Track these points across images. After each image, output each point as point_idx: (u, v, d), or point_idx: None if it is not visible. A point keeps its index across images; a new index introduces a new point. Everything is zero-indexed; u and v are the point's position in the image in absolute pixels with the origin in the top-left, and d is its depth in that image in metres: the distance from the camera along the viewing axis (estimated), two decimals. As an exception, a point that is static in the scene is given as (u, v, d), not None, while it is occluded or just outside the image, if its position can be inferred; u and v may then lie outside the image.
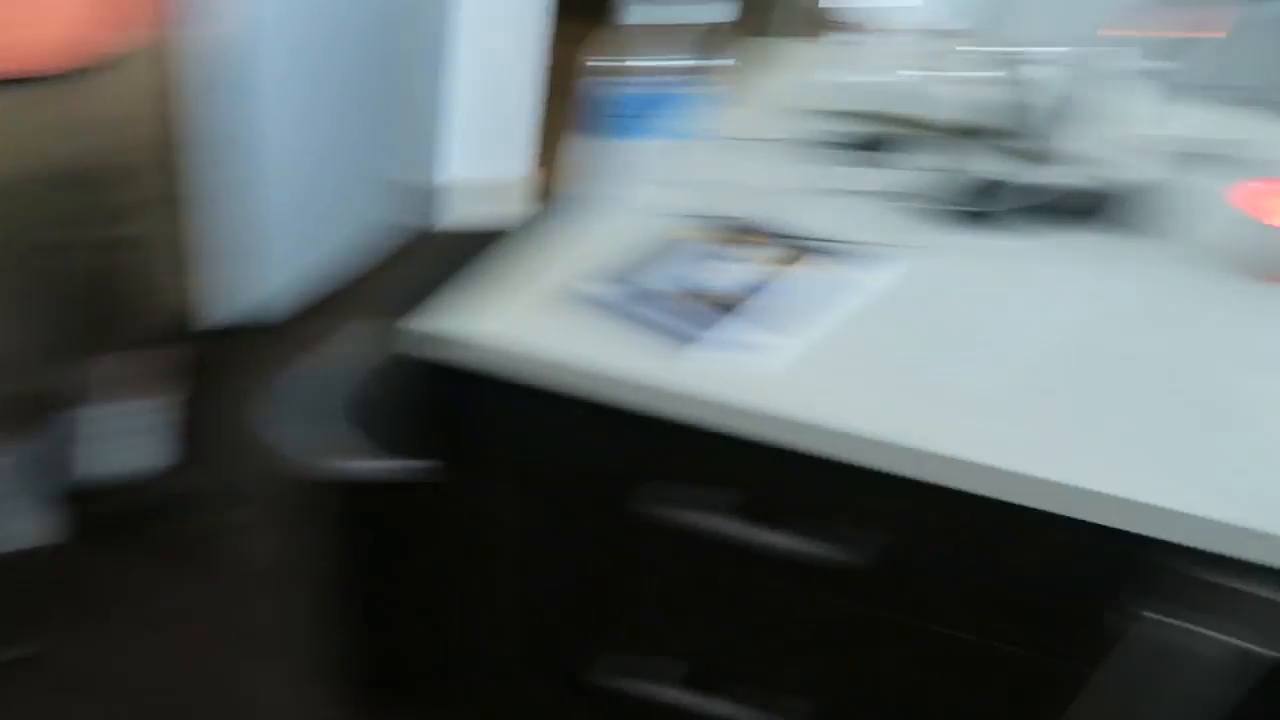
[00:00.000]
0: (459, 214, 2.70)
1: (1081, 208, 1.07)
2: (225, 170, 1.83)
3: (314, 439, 0.95)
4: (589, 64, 1.03)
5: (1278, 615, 0.78)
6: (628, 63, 1.01)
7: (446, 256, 0.95)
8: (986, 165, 1.08)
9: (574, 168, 1.12)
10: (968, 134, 1.11)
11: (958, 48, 1.14)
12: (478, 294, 0.91)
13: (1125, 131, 1.19)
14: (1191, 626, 0.80)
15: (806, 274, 0.95)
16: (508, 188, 2.68)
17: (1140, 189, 1.08)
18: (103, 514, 1.72)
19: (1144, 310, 0.98)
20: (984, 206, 1.05)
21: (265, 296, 2.22)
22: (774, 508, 0.88)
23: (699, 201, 1.05)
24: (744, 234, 1.00)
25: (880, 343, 0.90)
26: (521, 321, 0.88)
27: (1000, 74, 1.09)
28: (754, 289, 0.93)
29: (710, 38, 1.04)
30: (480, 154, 2.69)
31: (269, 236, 2.14)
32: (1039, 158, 1.08)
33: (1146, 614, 0.82)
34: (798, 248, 0.99)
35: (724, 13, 1.04)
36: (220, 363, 2.03)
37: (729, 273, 0.94)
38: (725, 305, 0.90)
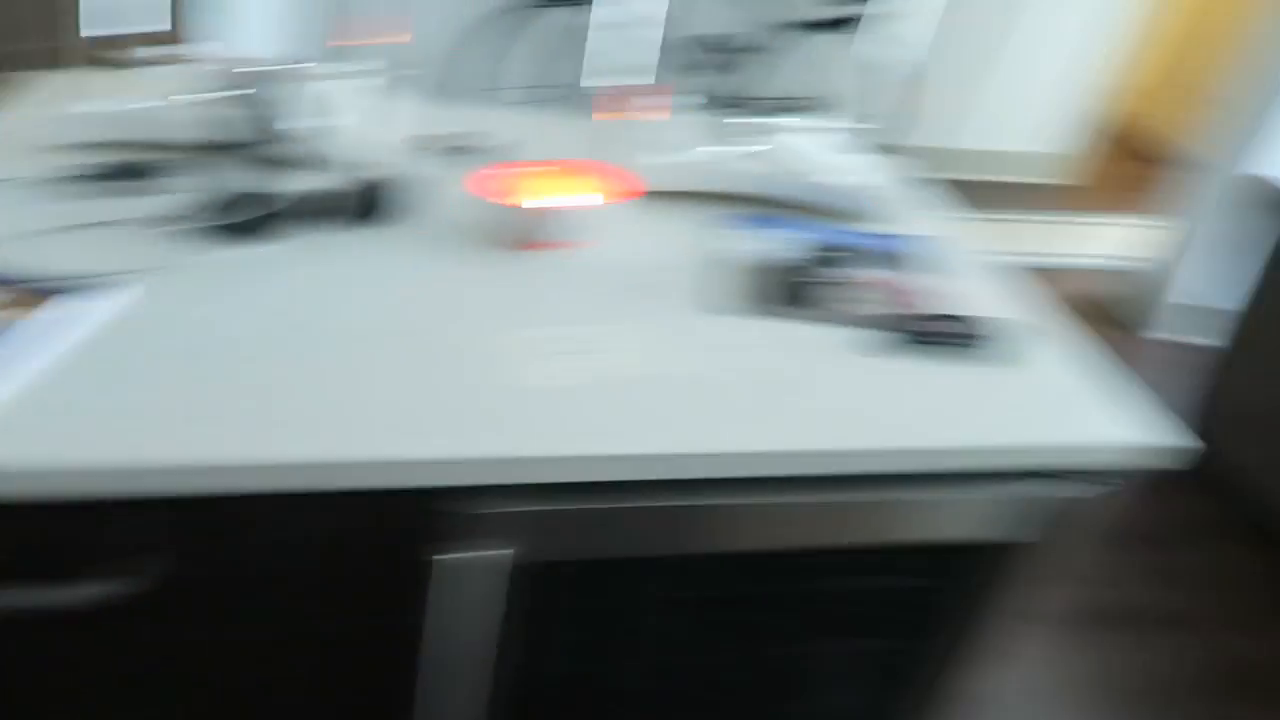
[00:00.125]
0: None
1: (336, 207, 1.14)
2: None
3: None
4: None
5: (530, 523, 0.92)
6: None
7: None
8: (239, 179, 1.11)
9: None
10: (218, 151, 1.13)
11: (203, 69, 1.16)
12: None
13: (373, 131, 1.30)
14: (471, 554, 0.92)
15: (39, 317, 0.90)
16: None
17: (390, 184, 1.19)
18: None
19: (404, 289, 1.07)
20: (237, 218, 1.08)
21: None
22: (38, 562, 0.83)
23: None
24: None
25: (111, 370, 0.88)
26: None
27: (240, 90, 1.12)
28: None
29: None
30: None
31: None
32: (287, 164, 1.13)
33: (438, 557, 0.92)
34: (34, 291, 0.93)
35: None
36: None
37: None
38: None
